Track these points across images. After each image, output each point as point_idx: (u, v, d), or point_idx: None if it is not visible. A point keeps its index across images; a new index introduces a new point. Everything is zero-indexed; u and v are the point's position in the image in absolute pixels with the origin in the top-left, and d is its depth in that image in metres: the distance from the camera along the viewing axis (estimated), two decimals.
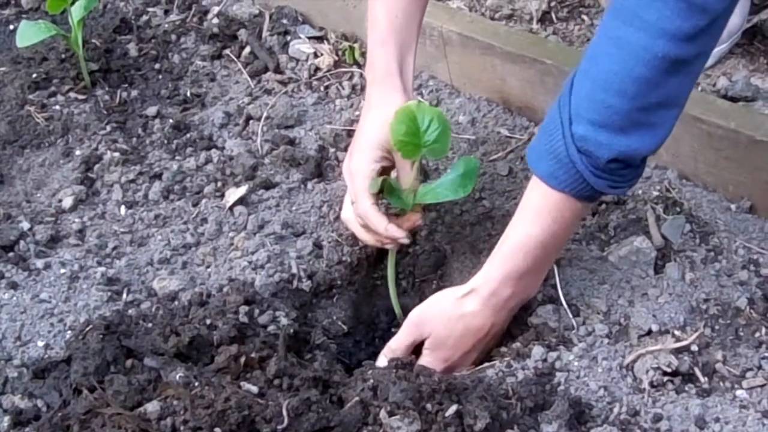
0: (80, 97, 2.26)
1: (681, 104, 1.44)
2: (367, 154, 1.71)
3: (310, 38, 2.40)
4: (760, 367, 1.58)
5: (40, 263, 1.83)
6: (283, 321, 1.68)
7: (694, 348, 1.60)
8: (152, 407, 1.39)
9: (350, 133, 2.13)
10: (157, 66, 2.39)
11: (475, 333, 1.62)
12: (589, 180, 1.46)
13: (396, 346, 1.66)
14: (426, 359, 1.64)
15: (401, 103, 1.70)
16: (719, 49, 2.01)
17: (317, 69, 2.33)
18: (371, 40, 1.78)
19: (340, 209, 1.85)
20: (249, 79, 2.32)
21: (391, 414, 1.40)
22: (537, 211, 1.55)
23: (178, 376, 1.45)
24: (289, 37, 2.40)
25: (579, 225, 1.79)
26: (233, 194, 1.96)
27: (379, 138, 1.70)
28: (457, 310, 1.62)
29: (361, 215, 1.71)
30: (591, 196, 1.52)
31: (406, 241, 1.71)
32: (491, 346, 1.68)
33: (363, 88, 2.25)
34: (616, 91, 1.38)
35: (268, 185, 1.99)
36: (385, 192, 1.69)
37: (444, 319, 1.63)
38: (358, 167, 1.71)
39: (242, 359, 1.53)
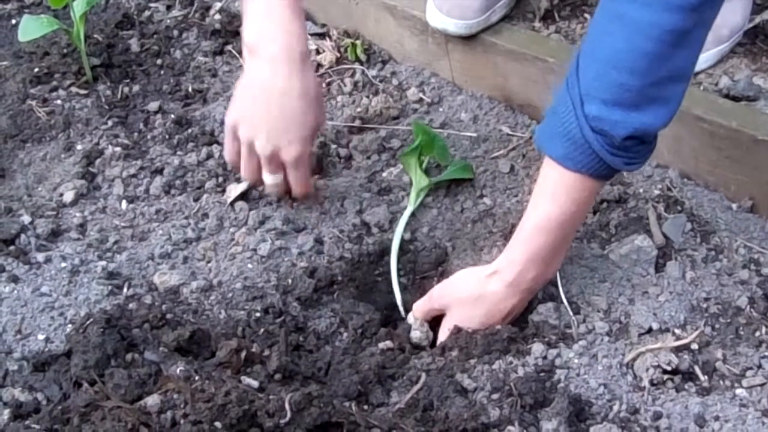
0: (82, 91, 2.26)
1: (689, 76, 1.45)
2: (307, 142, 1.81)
3: (312, 35, 2.39)
4: (760, 366, 1.58)
5: (40, 257, 1.82)
6: (284, 316, 1.69)
7: (695, 346, 1.60)
8: (152, 401, 1.39)
9: (351, 130, 2.14)
10: (159, 61, 2.39)
11: (494, 314, 1.65)
12: (605, 159, 1.47)
13: (417, 314, 1.75)
14: (443, 333, 1.70)
15: (316, 80, 1.83)
16: (721, 49, 2.01)
17: (319, 65, 2.32)
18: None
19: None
20: None
21: None
22: (554, 193, 1.56)
23: (178, 370, 1.45)
24: None
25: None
26: (234, 190, 1.96)
27: (314, 126, 1.82)
28: (479, 290, 1.65)
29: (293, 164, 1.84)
30: (607, 174, 1.54)
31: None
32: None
33: (365, 85, 2.25)
34: (627, 68, 1.39)
35: None
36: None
37: (465, 298, 1.67)
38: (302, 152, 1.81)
39: (243, 354, 1.53)
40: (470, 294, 1.66)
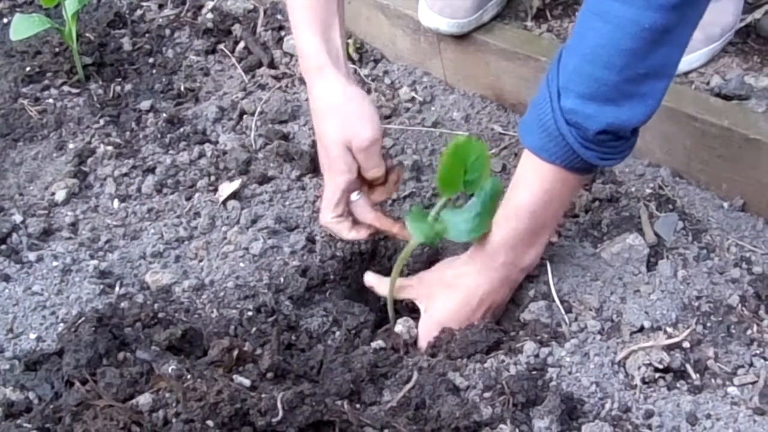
0: (74, 90, 2.26)
1: (670, 74, 1.45)
2: (336, 165, 1.71)
3: None
4: (751, 365, 1.59)
5: (32, 256, 1.82)
6: (277, 315, 1.69)
7: (686, 345, 1.61)
8: (144, 400, 1.39)
9: None
10: (151, 60, 2.39)
11: (469, 299, 1.65)
12: (578, 152, 1.48)
13: (398, 296, 1.74)
14: (423, 322, 1.71)
15: (341, 89, 1.70)
16: (712, 48, 2.01)
17: None
18: (293, 26, 1.75)
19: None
20: (243, 74, 2.32)
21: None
22: (529, 182, 1.58)
23: (170, 369, 1.45)
24: (283, 33, 2.40)
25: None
26: (226, 189, 1.96)
27: (340, 141, 1.70)
28: (455, 271, 1.68)
29: (324, 226, 1.78)
30: (582, 168, 1.54)
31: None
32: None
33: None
34: (604, 64, 1.40)
35: (262, 180, 1.99)
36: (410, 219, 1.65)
37: (443, 281, 1.69)
38: (330, 180, 1.74)
39: (235, 352, 1.53)
40: (447, 277, 1.69)
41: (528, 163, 1.57)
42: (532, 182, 1.57)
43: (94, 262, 1.82)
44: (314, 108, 1.74)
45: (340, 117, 1.69)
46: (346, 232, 1.76)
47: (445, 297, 1.67)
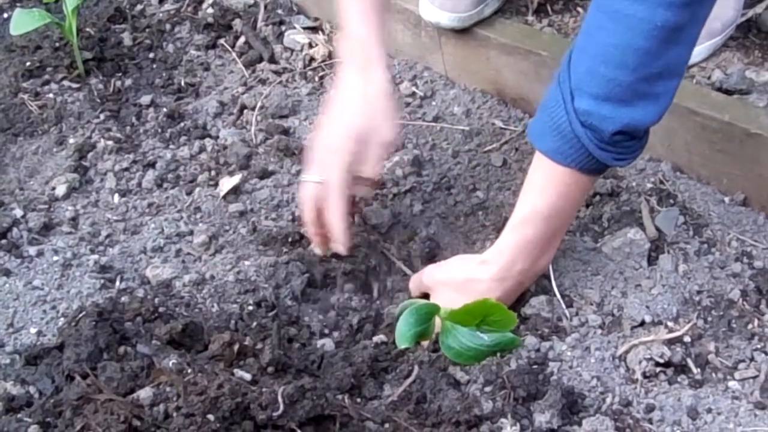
0: (74, 85, 2.26)
1: (681, 73, 1.45)
2: (341, 155, 1.65)
3: (305, 28, 2.39)
4: (752, 359, 1.59)
5: (33, 250, 1.82)
6: (277, 309, 1.69)
7: (687, 339, 1.61)
8: (145, 394, 1.39)
9: None
10: (151, 55, 2.39)
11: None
12: (594, 153, 1.48)
13: (411, 285, 1.76)
14: None
15: (382, 82, 1.66)
16: (713, 42, 2.01)
17: (312, 59, 2.32)
18: (343, 5, 1.69)
19: None
20: (243, 68, 2.32)
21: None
22: (542, 186, 1.57)
23: (171, 363, 1.45)
24: (284, 27, 2.40)
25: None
26: (227, 183, 1.96)
27: (360, 131, 1.64)
28: (467, 276, 1.65)
29: (330, 209, 1.67)
30: (596, 170, 1.54)
31: (340, 250, 1.72)
32: None
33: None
34: (617, 64, 1.39)
35: (262, 175, 1.99)
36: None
37: (453, 281, 1.67)
38: (335, 163, 1.65)
39: (236, 347, 1.53)
40: (458, 279, 1.67)
41: (540, 167, 1.56)
42: (546, 186, 1.56)
43: (95, 256, 1.82)
44: (342, 95, 1.68)
45: (370, 108, 1.65)
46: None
47: (453, 299, 1.65)
